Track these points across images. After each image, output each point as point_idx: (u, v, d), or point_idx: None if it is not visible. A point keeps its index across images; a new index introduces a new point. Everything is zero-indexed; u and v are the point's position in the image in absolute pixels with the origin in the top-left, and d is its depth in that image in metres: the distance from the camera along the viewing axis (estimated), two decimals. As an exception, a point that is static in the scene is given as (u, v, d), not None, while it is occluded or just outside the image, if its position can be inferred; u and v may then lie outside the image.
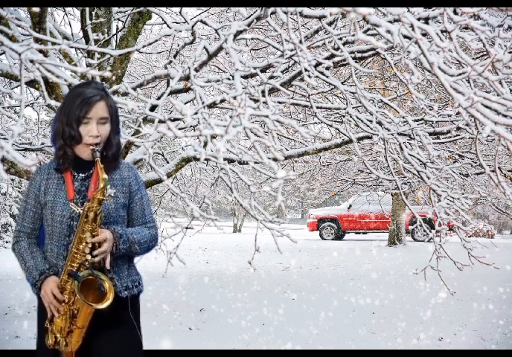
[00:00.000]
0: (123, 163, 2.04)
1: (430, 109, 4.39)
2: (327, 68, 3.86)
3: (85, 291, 1.86)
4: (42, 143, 4.85)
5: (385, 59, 3.74)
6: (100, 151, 1.90)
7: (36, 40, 3.31)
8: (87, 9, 4.12)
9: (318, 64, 3.61)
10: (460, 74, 2.24)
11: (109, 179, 1.94)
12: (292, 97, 5.19)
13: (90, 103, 1.88)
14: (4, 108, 6.27)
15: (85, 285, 1.86)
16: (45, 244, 1.99)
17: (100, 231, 1.88)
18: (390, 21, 2.51)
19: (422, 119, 4.38)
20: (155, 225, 2.06)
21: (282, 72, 4.21)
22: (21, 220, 1.99)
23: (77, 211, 1.90)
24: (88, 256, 1.86)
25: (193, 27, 3.18)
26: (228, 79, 3.52)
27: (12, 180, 13.04)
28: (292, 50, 3.13)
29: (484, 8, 2.21)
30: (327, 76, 3.70)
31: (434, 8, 2.69)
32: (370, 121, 3.63)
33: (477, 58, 4.57)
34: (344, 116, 4.40)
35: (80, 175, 1.96)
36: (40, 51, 3.27)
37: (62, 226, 1.92)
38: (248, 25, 2.74)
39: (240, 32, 2.79)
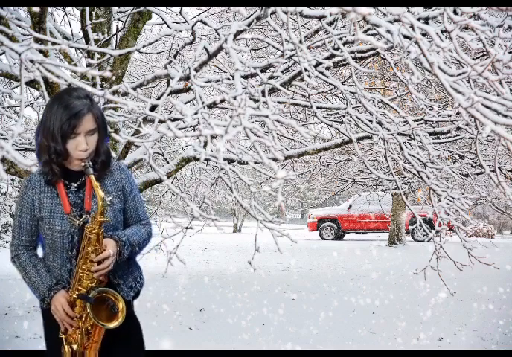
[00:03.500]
0: (113, 165, 1.99)
1: (430, 109, 4.39)
2: (327, 68, 3.86)
3: (96, 308, 1.86)
4: (42, 143, 4.85)
5: (385, 59, 3.74)
6: (91, 166, 1.84)
7: (36, 40, 3.31)
8: (87, 9, 4.12)
9: (318, 64, 3.61)
10: (460, 74, 2.24)
11: (103, 185, 1.91)
12: (292, 97, 5.19)
13: (78, 118, 1.79)
14: (4, 108, 6.27)
15: (96, 303, 1.86)
16: (45, 252, 1.96)
17: (104, 242, 1.86)
18: (390, 21, 2.51)
19: (422, 119, 4.38)
20: (149, 221, 2.06)
21: (282, 72, 4.21)
22: (18, 234, 1.94)
23: (76, 225, 1.88)
24: (95, 275, 1.85)
25: (193, 27, 3.18)
26: (228, 79, 3.51)
27: (12, 180, 13.04)
28: (292, 50, 3.13)
29: (484, 8, 2.21)
30: (327, 76, 3.70)
31: (434, 8, 2.69)
32: (370, 121, 3.63)
33: (477, 58, 4.57)
34: (344, 116, 4.39)
35: (73, 184, 1.91)
36: (40, 51, 3.27)
37: (63, 241, 1.88)
38: (248, 25, 2.73)
39: (240, 32, 2.79)
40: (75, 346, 1.87)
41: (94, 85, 3.53)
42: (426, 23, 2.64)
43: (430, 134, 4.36)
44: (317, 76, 2.92)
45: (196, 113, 2.14)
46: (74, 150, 1.83)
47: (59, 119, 1.78)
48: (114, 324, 1.86)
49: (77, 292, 1.86)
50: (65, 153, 1.82)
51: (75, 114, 1.78)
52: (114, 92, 3.45)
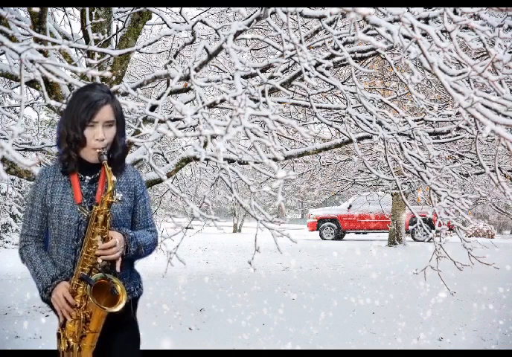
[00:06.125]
0: (128, 166, 2.05)
1: (430, 109, 4.39)
2: (327, 68, 3.86)
3: (96, 295, 1.85)
4: (42, 143, 4.85)
5: (385, 59, 3.74)
6: (106, 154, 1.89)
7: (36, 40, 3.31)
8: (87, 9, 4.12)
9: (318, 64, 3.61)
10: (460, 74, 2.24)
11: (116, 183, 1.94)
12: (292, 97, 5.19)
13: (96, 106, 1.86)
14: (4, 108, 6.27)
15: (97, 289, 1.86)
16: (49, 246, 1.97)
17: (111, 234, 1.88)
18: (390, 21, 2.51)
19: (422, 119, 4.38)
20: (155, 229, 2.08)
21: (282, 72, 4.21)
22: (28, 224, 1.97)
23: (85, 215, 1.89)
24: (99, 260, 1.85)
25: (193, 27, 3.18)
26: (228, 79, 3.51)
27: (12, 180, 13.03)
28: (292, 50, 3.13)
29: (484, 8, 2.21)
30: (327, 76, 3.70)
31: (434, 8, 2.69)
32: (370, 121, 3.63)
33: (477, 58, 4.57)
34: (344, 116, 4.39)
35: (87, 177, 1.95)
36: (40, 51, 3.27)
37: (70, 230, 1.90)
38: (248, 25, 2.73)
39: (240, 32, 2.79)
40: (71, 340, 1.86)
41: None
42: (426, 23, 2.64)
43: (430, 134, 4.36)
44: (317, 76, 2.92)
45: (196, 113, 2.14)
46: (91, 139, 1.88)
47: (79, 108, 1.87)
48: (116, 309, 1.85)
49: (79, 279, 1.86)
50: (82, 141, 1.88)
51: (94, 103, 1.87)
52: (114, 92, 3.45)
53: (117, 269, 1.89)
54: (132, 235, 1.93)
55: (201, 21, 3.15)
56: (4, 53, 3.54)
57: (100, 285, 1.86)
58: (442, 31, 2.65)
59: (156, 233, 2.07)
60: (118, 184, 1.96)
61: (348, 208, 18.08)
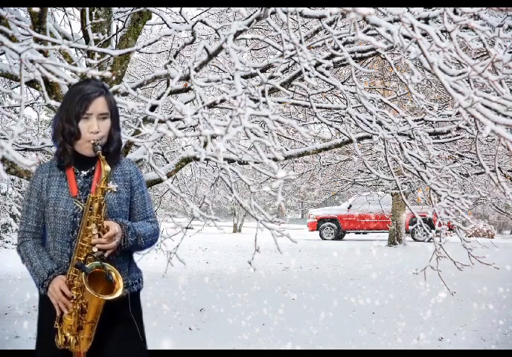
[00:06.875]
0: (123, 158, 2.05)
1: (430, 109, 4.39)
2: (327, 68, 3.86)
3: (93, 284, 1.84)
4: (42, 143, 4.85)
5: (385, 59, 3.74)
6: (101, 145, 1.90)
7: (36, 40, 3.31)
8: (87, 9, 4.11)
9: (318, 64, 3.61)
10: (460, 74, 2.24)
11: (111, 175, 1.95)
12: (292, 97, 5.19)
13: (89, 98, 1.89)
14: (4, 108, 6.27)
15: (93, 279, 1.85)
16: (47, 242, 1.97)
17: (107, 223, 1.87)
18: (390, 21, 2.51)
19: (422, 119, 4.38)
20: (156, 220, 2.07)
21: (282, 72, 4.21)
22: (25, 220, 1.97)
23: (80, 207, 1.90)
24: (95, 249, 1.85)
25: (193, 27, 3.18)
26: (228, 79, 3.51)
27: (12, 180, 13.02)
28: (292, 50, 3.12)
29: (484, 8, 2.20)
30: (327, 76, 3.70)
31: (434, 8, 2.69)
32: (370, 121, 3.63)
33: (477, 58, 4.57)
34: (344, 116, 4.39)
35: (83, 172, 1.96)
36: (40, 51, 3.27)
37: (66, 222, 1.91)
38: (248, 25, 2.73)
39: (240, 32, 2.79)
40: (68, 334, 1.85)
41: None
42: (426, 23, 2.64)
43: (430, 134, 4.36)
44: (317, 76, 2.92)
45: (196, 113, 2.14)
46: (85, 132, 1.90)
47: (73, 100, 1.90)
48: (113, 296, 1.84)
49: (75, 269, 1.86)
50: (77, 133, 1.90)
51: (88, 95, 1.90)
52: (114, 92, 3.45)
53: (106, 254, 1.88)
54: (130, 225, 1.93)
55: (201, 21, 3.15)
56: (4, 53, 3.54)
57: (96, 275, 1.86)
58: (442, 31, 2.65)
59: (157, 223, 2.06)
60: (114, 175, 1.97)
61: (348, 208, 18.09)
